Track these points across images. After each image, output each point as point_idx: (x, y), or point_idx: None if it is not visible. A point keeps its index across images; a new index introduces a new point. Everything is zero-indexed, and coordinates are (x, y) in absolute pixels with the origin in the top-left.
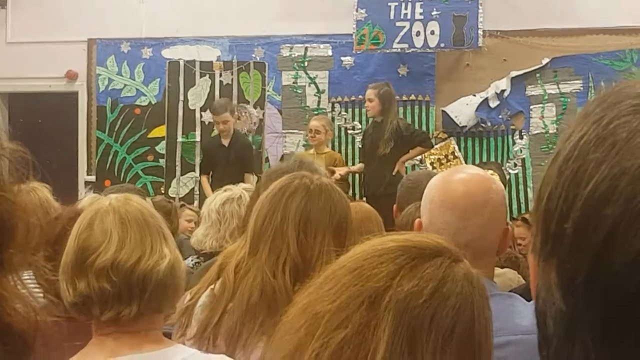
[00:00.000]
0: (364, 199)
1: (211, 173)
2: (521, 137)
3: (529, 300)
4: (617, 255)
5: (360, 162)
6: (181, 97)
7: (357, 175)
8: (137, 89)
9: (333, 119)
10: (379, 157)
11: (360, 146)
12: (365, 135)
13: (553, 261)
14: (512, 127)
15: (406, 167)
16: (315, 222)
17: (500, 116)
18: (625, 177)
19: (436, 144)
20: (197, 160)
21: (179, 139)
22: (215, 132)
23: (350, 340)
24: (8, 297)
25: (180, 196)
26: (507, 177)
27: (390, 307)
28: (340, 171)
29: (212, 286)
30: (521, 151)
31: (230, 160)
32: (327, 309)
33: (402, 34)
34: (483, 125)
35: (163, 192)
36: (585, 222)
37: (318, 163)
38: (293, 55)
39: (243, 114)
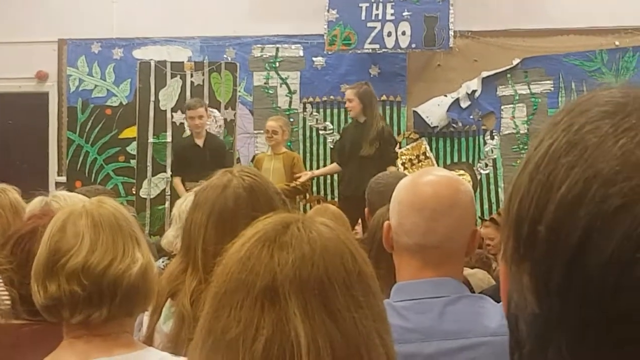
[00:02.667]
0: (335, 199)
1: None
2: (492, 138)
3: (499, 302)
4: (591, 257)
5: (334, 162)
6: (152, 98)
7: (332, 176)
8: (108, 90)
9: (304, 119)
10: (361, 157)
11: (332, 147)
12: (344, 134)
13: (526, 265)
14: (483, 127)
15: None
16: None
17: (471, 116)
18: (597, 180)
19: (407, 145)
20: (169, 161)
21: (150, 139)
22: (187, 133)
23: (271, 341)
24: None
25: (152, 197)
26: (478, 177)
27: (287, 291)
28: (303, 178)
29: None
30: (492, 151)
31: (206, 160)
32: (237, 333)
33: (373, 34)
34: (454, 125)
35: (134, 192)
36: (558, 225)
37: (275, 164)
38: (264, 56)
39: (210, 116)
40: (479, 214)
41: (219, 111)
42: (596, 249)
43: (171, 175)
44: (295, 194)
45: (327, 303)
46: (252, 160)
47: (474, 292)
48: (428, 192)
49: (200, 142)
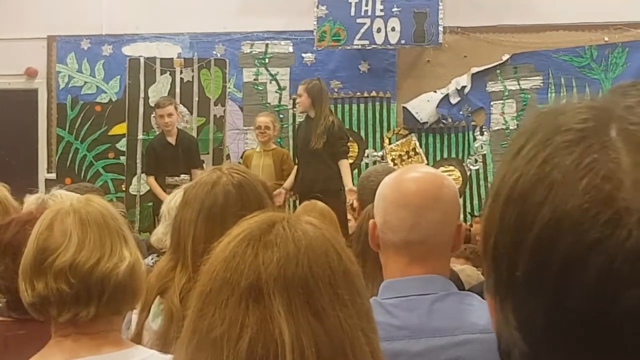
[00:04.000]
0: (296, 196)
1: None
2: (482, 133)
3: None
4: (571, 293)
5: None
6: (142, 94)
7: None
8: (97, 86)
9: (294, 115)
10: (311, 151)
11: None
12: (298, 130)
13: (509, 304)
14: (473, 123)
15: (366, 164)
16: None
17: (460, 112)
18: (567, 219)
19: (397, 141)
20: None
21: (140, 136)
22: (156, 131)
23: (255, 340)
24: None
25: (141, 194)
26: (468, 173)
27: (271, 290)
28: (279, 198)
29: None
30: (482, 147)
31: (179, 157)
32: (222, 332)
33: (362, 30)
34: (444, 121)
35: (124, 189)
36: (534, 266)
37: (266, 161)
38: (254, 52)
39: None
40: (469, 209)
41: (209, 107)
42: (574, 286)
43: (146, 176)
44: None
45: (312, 302)
46: (241, 157)
47: (464, 287)
48: (412, 188)
49: (172, 139)
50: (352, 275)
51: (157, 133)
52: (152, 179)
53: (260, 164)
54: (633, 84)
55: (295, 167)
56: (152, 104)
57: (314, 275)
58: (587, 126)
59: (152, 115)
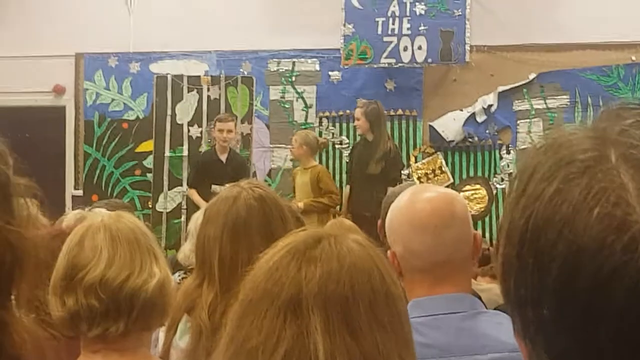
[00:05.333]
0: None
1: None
2: (508, 152)
3: None
4: (601, 323)
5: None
6: (169, 112)
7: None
8: (124, 104)
9: (320, 133)
10: (367, 176)
11: (347, 160)
12: (353, 150)
13: (540, 344)
14: (499, 141)
15: None
16: (276, 232)
17: (487, 131)
18: (585, 251)
19: (423, 159)
20: (185, 174)
21: (167, 153)
22: (204, 147)
23: (290, 354)
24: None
25: (168, 211)
26: (494, 192)
27: (310, 306)
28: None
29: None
30: (508, 166)
31: (227, 176)
32: (258, 342)
33: (389, 49)
34: (470, 140)
35: (150, 206)
36: (560, 303)
37: (304, 178)
38: (281, 70)
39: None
40: (495, 228)
41: (236, 125)
42: (604, 317)
43: (187, 187)
44: (324, 209)
45: (350, 321)
46: (268, 175)
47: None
48: (427, 210)
49: (223, 157)
50: (394, 298)
51: (207, 148)
52: (193, 191)
53: (300, 182)
54: (624, 105)
55: (348, 187)
56: (179, 122)
57: (354, 295)
58: (588, 156)
59: (207, 128)
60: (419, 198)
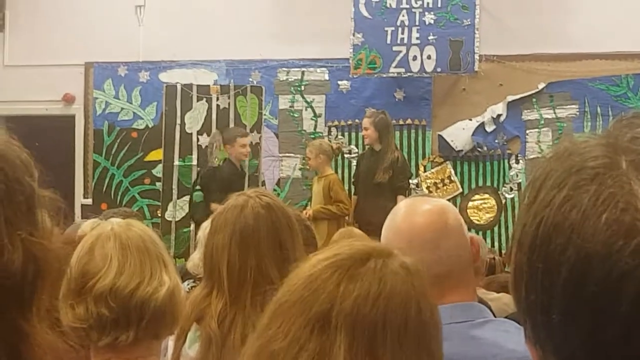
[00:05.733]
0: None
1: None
2: (517, 162)
3: None
4: (609, 327)
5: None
6: (178, 121)
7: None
8: (134, 113)
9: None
10: (375, 185)
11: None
12: (360, 160)
13: (549, 348)
14: (509, 151)
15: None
16: (284, 241)
17: (496, 140)
18: (593, 256)
19: (432, 168)
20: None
21: (176, 162)
22: (216, 160)
23: None
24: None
25: (177, 220)
26: (503, 201)
27: (339, 324)
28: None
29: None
30: (517, 176)
31: (246, 187)
32: (281, 347)
33: (398, 58)
34: (479, 149)
35: (159, 215)
36: (568, 307)
37: (318, 187)
38: (290, 79)
39: None
40: (504, 238)
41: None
42: (612, 321)
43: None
44: (333, 217)
45: (374, 348)
46: (277, 184)
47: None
48: (420, 223)
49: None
50: (426, 333)
51: (220, 161)
52: (216, 205)
53: (315, 190)
54: (636, 114)
55: (355, 197)
56: (188, 131)
57: (384, 323)
58: (599, 163)
59: (225, 145)
60: (410, 215)
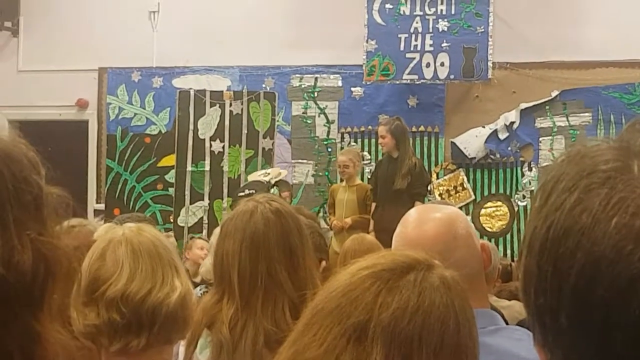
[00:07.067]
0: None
1: None
2: (530, 169)
3: None
4: (617, 330)
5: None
6: (191, 127)
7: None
8: (147, 118)
9: (342, 149)
10: (394, 191)
11: (369, 177)
12: (378, 167)
13: (558, 353)
14: (521, 159)
15: None
16: (294, 246)
17: (509, 148)
18: (603, 260)
19: (445, 175)
20: (207, 189)
21: (189, 168)
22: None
23: None
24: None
25: (189, 225)
26: (516, 209)
27: (376, 336)
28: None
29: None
30: (530, 183)
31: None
32: (315, 355)
33: (412, 65)
34: (492, 156)
35: (172, 220)
36: (577, 310)
37: (349, 195)
38: (303, 86)
39: None
40: (516, 246)
41: (258, 140)
42: (621, 325)
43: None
44: (366, 225)
45: None
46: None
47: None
48: (430, 235)
49: None
50: (462, 349)
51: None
52: None
53: (344, 199)
54: None
55: (374, 204)
56: (201, 136)
57: (421, 339)
58: (610, 166)
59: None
60: (420, 224)
